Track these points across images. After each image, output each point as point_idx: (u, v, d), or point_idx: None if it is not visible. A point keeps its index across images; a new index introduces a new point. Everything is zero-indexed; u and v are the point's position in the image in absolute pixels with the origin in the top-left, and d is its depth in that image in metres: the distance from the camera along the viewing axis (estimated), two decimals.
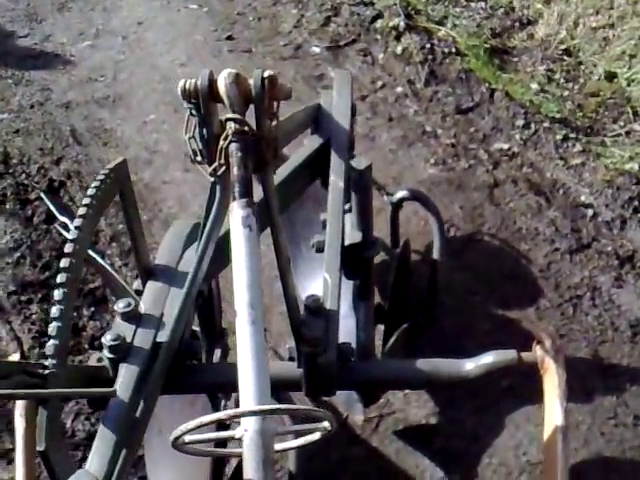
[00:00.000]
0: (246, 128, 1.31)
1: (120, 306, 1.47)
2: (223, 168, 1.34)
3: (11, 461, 2.24)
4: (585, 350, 2.44)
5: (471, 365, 1.49)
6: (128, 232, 1.59)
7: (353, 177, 1.82)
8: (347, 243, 1.81)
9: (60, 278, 1.32)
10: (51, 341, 1.27)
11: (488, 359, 1.47)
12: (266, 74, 1.32)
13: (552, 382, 1.38)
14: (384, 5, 4.16)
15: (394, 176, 3.17)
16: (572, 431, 2.22)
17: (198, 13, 4.42)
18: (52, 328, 1.27)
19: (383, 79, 3.77)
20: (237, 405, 1.98)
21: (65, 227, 2.33)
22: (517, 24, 4.02)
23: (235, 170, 1.31)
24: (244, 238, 1.27)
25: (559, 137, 3.25)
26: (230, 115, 1.32)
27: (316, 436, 1.14)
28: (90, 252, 2.09)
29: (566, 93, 3.58)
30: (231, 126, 1.31)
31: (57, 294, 1.31)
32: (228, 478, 1.96)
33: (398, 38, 3.92)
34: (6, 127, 3.62)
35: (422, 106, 3.58)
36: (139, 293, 1.59)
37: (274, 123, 1.36)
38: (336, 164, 1.83)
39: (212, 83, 1.32)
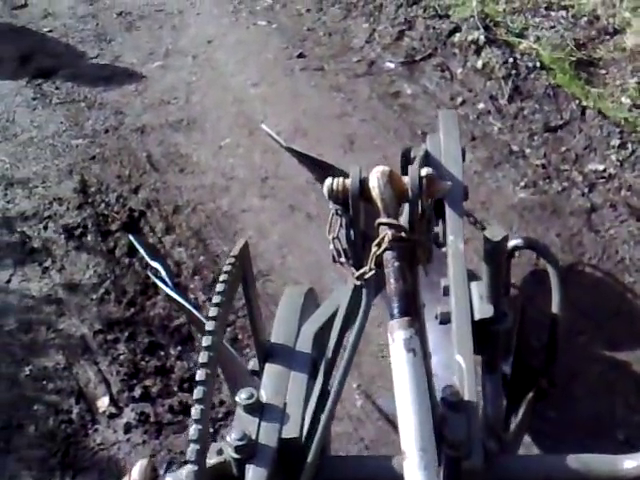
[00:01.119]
0: (403, 234, 1.19)
1: (242, 397, 1.37)
2: (372, 273, 1.22)
3: None
4: None
5: (631, 464, 1.35)
6: (247, 310, 1.50)
7: (487, 248, 1.66)
8: (477, 318, 1.67)
9: (200, 375, 1.21)
10: (192, 445, 1.16)
11: None
12: (424, 172, 1.20)
13: None
14: (461, 18, 4.02)
15: (482, 201, 3.04)
16: None
17: (267, 30, 4.35)
18: (193, 430, 1.16)
19: (463, 95, 3.63)
20: None
21: (156, 273, 2.26)
22: (603, 34, 3.83)
23: (393, 282, 1.18)
24: (408, 364, 1.13)
25: None
26: (385, 220, 1.20)
27: None
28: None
29: None
30: (387, 233, 1.19)
31: (197, 392, 1.20)
32: None
33: (478, 52, 3.78)
34: (82, 153, 3.60)
35: (507, 124, 3.43)
36: (255, 374, 1.50)
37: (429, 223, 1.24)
38: (453, 221, 1.69)
39: (363, 182, 1.21)
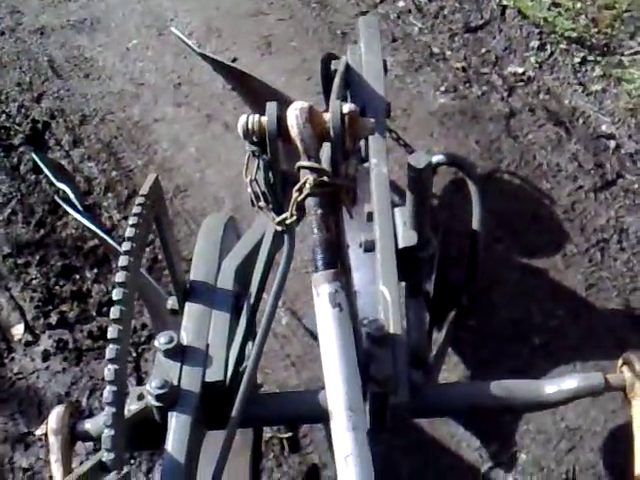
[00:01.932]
0: (326, 178, 1.09)
1: (162, 342, 1.32)
2: (294, 218, 1.14)
3: (29, 445, 2.15)
4: (616, 300, 2.35)
5: (553, 389, 1.38)
6: (162, 246, 1.42)
7: (411, 175, 1.60)
8: (401, 246, 1.64)
9: (113, 312, 1.13)
10: (107, 409, 1.10)
11: (572, 384, 1.36)
12: (346, 109, 1.11)
13: None
14: None
15: (404, 107, 2.97)
16: None
17: None
18: (107, 392, 1.10)
19: None
20: None
21: (65, 197, 2.13)
22: None
23: (316, 232, 1.09)
24: (333, 320, 1.05)
25: (577, 60, 3.05)
26: (306, 163, 1.10)
27: None
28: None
29: (579, 5, 3.34)
30: (308, 177, 1.09)
31: (111, 331, 1.13)
32: None
33: None
34: None
35: (427, 24, 3.33)
36: (175, 313, 1.44)
37: (352, 163, 1.16)
38: (376, 143, 1.63)
39: (280, 120, 1.11)
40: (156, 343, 1.34)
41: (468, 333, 2.28)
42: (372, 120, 1.14)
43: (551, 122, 2.88)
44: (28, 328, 2.37)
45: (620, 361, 1.37)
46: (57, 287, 2.48)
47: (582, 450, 2.04)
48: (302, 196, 1.08)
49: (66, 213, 2.66)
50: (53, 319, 2.39)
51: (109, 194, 2.77)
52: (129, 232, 1.22)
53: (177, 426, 1.24)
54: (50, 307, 2.42)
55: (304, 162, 1.09)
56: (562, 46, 3.11)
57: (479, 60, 3.14)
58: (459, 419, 2.06)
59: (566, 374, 1.42)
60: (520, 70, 3.08)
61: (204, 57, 2.57)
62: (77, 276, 2.51)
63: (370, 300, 1.49)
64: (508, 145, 2.82)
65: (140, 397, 1.30)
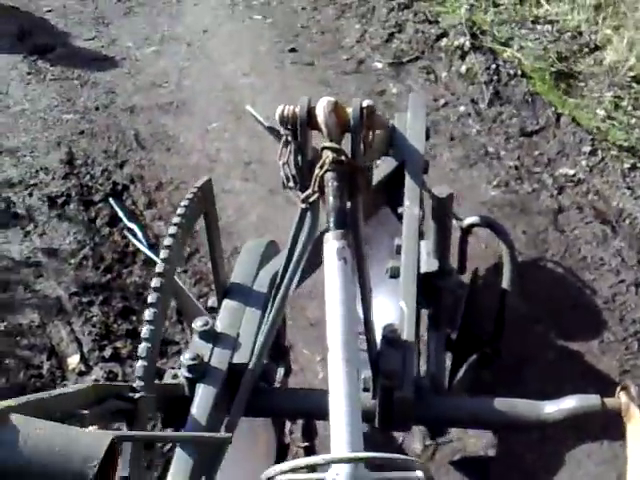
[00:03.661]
0: (343, 158, 1.30)
1: (198, 324, 1.47)
2: (316, 196, 1.32)
3: None
4: None
5: (552, 409, 1.45)
6: (209, 250, 1.59)
7: (433, 205, 1.79)
8: (423, 271, 1.78)
9: (151, 298, 1.31)
10: (140, 362, 1.26)
11: (570, 404, 1.43)
12: (365, 104, 1.31)
13: (637, 431, 1.34)
14: (449, 24, 4.14)
15: (455, 196, 3.14)
16: None
17: (262, 24, 4.45)
18: (142, 349, 1.27)
19: (446, 97, 3.75)
20: (305, 432, 1.96)
21: (133, 234, 2.34)
22: (585, 49, 3.97)
23: (331, 200, 1.29)
24: (338, 270, 1.23)
25: (627, 166, 3.20)
26: (327, 144, 1.31)
27: None
28: None
29: (633, 121, 3.52)
30: (328, 155, 1.29)
31: (148, 314, 1.31)
32: None
33: (463, 57, 3.90)
34: (71, 128, 3.68)
35: (485, 126, 3.55)
36: (214, 310, 1.59)
37: (369, 153, 1.35)
38: (411, 189, 1.82)
39: (310, 110, 1.32)
40: (193, 325, 1.48)
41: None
42: (387, 117, 1.33)
43: (598, 220, 2.99)
44: (83, 359, 2.54)
45: (619, 388, 1.43)
46: (115, 325, 2.65)
47: None
48: (322, 171, 1.27)
49: (133, 262, 2.88)
50: (107, 353, 2.55)
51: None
52: (176, 219, 1.39)
53: (203, 395, 1.36)
54: (106, 342, 2.59)
55: (326, 143, 1.28)
56: (613, 152, 3.26)
57: (532, 161, 3.32)
58: None
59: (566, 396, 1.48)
60: (571, 172, 3.23)
61: (271, 130, 2.82)
62: (134, 317, 2.68)
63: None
64: (554, 238, 2.94)
65: (174, 377, 1.43)
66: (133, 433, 1.21)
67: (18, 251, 2.98)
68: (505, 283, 2.03)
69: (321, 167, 1.30)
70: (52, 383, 2.49)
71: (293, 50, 4.19)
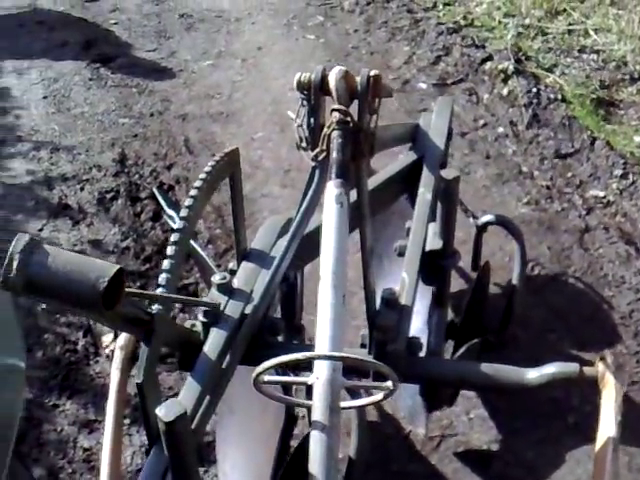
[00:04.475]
0: (348, 118, 1.45)
1: (217, 278, 1.60)
2: (324, 154, 1.47)
3: (92, 431, 2.42)
4: None
5: (534, 374, 1.54)
6: (232, 216, 1.72)
7: (441, 187, 1.92)
8: (427, 249, 1.90)
9: (174, 237, 1.42)
10: (163, 277, 1.35)
11: (550, 369, 1.51)
12: (372, 73, 1.46)
13: (610, 396, 1.42)
14: (495, 49, 4.25)
15: (484, 210, 3.22)
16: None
17: (315, 43, 4.64)
18: (162, 278, 1.35)
19: (485, 118, 3.85)
20: (308, 395, 2.08)
21: (172, 219, 2.50)
22: (628, 78, 4.02)
23: (334, 154, 1.45)
24: (335, 213, 1.40)
25: None
26: (336, 106, 1.46)
27: (379, 396, 1.23)
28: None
29: None
30: (335, 115, 1.45)
31: (173, 237, 1.40)
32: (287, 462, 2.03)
33: (505, 81, 4.00)
34: (126, 131, 3.90)
35: (521, 147, 3.63)
36: (233, 272, 1.71)
37: (374, 118, 1.48)
38: (427, 178, 1.96)
39: (324, 78, 1.47)
40: (212, 279, 1.60)
41: (506, 403, 2.39)
42: (391, 86, 1.46)
43: (623, 241, 3.04)
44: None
45: (598, 357, 1.50)
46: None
47: None
48: (329, 130, 1.41)
49: None
50: None
51: (210, 246, 3.14)
52: (202, 175, 1.51)
53: (214, 339, 1.47)
54: None
55: (335, 105, 1.42)
56: None
57: (564, 181, 3.38)
58: (482, 474, 2.15)
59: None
60: (601, 194, 3.29)
61: None
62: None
63: None
64: (578, 255, 3.00)
65: (193, 325, 1.56)
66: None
67: (66, 239, 3.18)
68: (515, 279, 2.12)
69: (328, 127, 1.44)
70: (85, 358, 2.65)
71: None
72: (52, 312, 2.83)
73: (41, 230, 3.24)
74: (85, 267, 1.08)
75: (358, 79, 1.47)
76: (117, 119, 4.01)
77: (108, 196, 3.42)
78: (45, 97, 4.19)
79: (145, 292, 1.50)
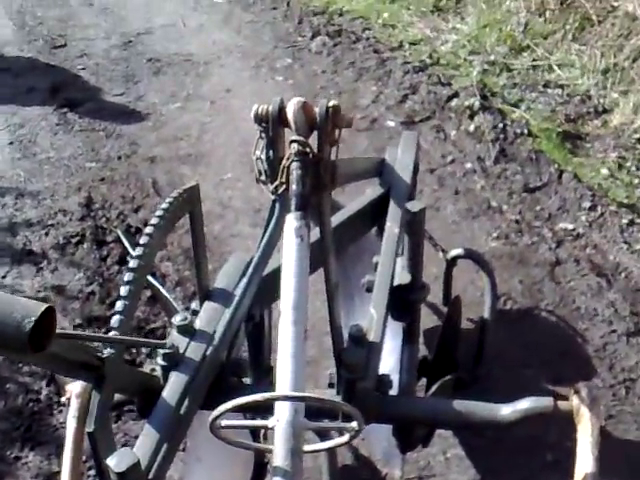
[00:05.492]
0: (307, 149, 1.43)
1: (177, 319, 1.54)
2: (284, 187, 1.44)
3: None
4: (635, 433, 2.37)
5: (507, 410, 1.50)
6: (193, 253, 1.66)
7: (407, 220, 1.89)
8: (396, 283, 1.86)
9: (127, 276, 1.38)
10: (116, 318, 1.31)
11: (524, 405, 1.48)
12: (331, 103, 1.43)
13: (586, 430, 1.38)
14: (461, 86, 4.29)
15: (455, 246, 3.20)
16: None
17: (283, 85, 4.65)
18: (115, 320, 1.31)
19: (453, 154, 3.86)
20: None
21: None
22: (592, 111, 4.06)
23: (294, 186, 1.42)
24: (295, 247, 1.37)
25: (625, 221, 3.24)
26: (294, 137, 1.44)
27: (345, 438, 1.18)
28: (149, 278, 2.19)
29: (636, 181, 3.58)
30: (294, 147, 1.42)
31: (127, 276, 1.37)
32: None
33: (472, 117, 4.02)
34: (93, 175, 3.86)
35: (490, 182, 3.64)
36: (196, 313, 1.66)
37: (335, 149, 1.46)
38: (394, 212, 1.93)
39: (282, 109, 1.45)
40: (172, 320, 1.55)
41: (483, 442, 2.34)
42: (351, 115, 1.44)
43: (594, 273, 3.03)
44: None
45: (572, 390, 1.46)
46: None
47: None
48: (288, 162, 1.37)
49: (137, 298, 2.97)
50: None
51: (178, 288, 3.09)
52: (163, 205, 1.46)
53: (174, 383, 1.42)
54: None
55: (293, 137, 1.39)
56: (612, 208, 3.32)
57: (533, 215, 3.38)
58: None
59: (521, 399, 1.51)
60: (571, 227, 3.29)
61: None
62: (134, 350, 2.77)
63: None
64: (550, 288, 2.98)
65: (152, 370, 1.50)
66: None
67: (30, 285, 3.11)
68: (486, 312, 2.09)
69: (288, 158, 1.41)
70: (48, 408, 2.57)
71: None
72: (14, 362, 2.74)
73: (4, 277, 3.16)
74: (10, 306, 1.01)
75: (317, 110, 1.45)
76: (84, 163, 3.97)
77: (73, 240, 3.36)
78: (11, 143, 4.14)
79: (81, 333, 1.43)
